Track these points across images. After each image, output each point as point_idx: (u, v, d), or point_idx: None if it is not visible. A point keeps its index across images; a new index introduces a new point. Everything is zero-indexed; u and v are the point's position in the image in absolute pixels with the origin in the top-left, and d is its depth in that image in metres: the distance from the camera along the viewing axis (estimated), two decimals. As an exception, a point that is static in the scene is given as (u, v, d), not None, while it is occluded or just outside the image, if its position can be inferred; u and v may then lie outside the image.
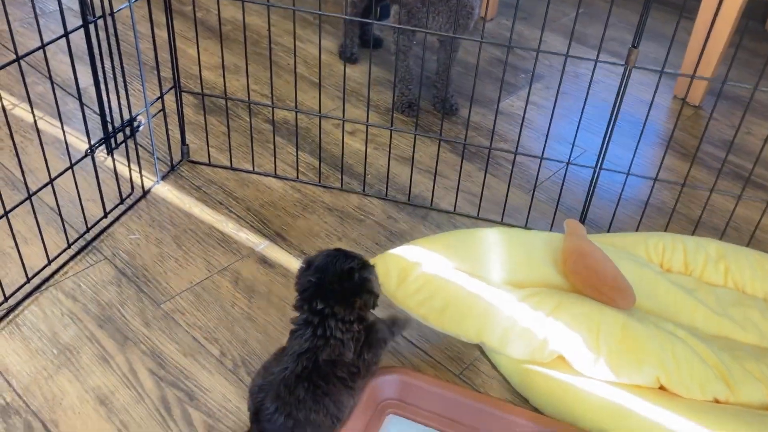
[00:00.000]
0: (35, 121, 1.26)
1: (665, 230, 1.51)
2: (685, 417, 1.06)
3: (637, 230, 1.52)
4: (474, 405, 1.12)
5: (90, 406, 1.15)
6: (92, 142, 1.39)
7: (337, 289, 1.05)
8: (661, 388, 1.13)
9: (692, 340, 1.15)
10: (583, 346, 1.11)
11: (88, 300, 1.33)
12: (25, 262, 1.34)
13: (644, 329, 1.13)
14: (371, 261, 1.18)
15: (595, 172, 1.45)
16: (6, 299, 1.29)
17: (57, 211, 1.39)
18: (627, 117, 1.98)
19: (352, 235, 1.53)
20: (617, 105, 1.35)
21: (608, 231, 1.54)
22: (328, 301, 1.05)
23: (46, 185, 1.31)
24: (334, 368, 1.04)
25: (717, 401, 1.12)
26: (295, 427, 1.02)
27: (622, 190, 1.48)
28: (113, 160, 1.47)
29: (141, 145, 1.68)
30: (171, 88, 1.60)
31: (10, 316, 1.29)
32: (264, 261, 1.45)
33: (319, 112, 1.55)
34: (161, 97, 1.56)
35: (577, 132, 1.50)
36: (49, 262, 1.36)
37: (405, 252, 1.24)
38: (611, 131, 1.38)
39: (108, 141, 1.42)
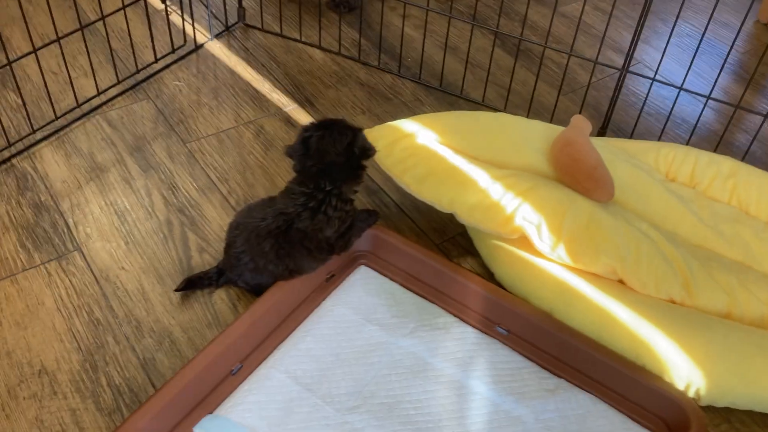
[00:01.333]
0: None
1: (686, 144, 1.47)
2: (631, 309, 1.09)
3: (658, 140, 1.49)
4: (435, 266, 1.19)
5: (107, 216, 1.31)
6: (143, -12, 1.52)
7: (344, 167, 1.11)
8: (621, 282, 1.15)
9: (662, 240, 1.15)
10: (545, 228, 1.14)
11: (126, 130, 1.49)
12: (80, 92, 1.51)
13: (611, 221, 1.14)
14: (367, 131, 1.26)
15: (621, 74, 1.43)
16: (57, 118, 1.46)
17: (108, 48, 1.54)
18: (696, 35, 1.89)
19: (376, 110, 1.59)
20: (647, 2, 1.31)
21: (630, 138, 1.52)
22: (335, 182, 1.11)
23: (98, 20, 1.45)
24: (302, 239, 1.11)
25: (672, 302, 1.13)
26: (255, 270, 1.13)
27: (646, 97, 1.46)
28: (166, 8, 1.60)
29: None
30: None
31: (60, 134, 1.46)
32: (288, 121, 1.55)
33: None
34: (219, -45, 1.65)
35: (605, 30, 1.47)
36: (99, 93, 1.52)
37: (402, 124, 1.30)
38: (639, 31, 1.35)
39: (162, -11, 1.54)
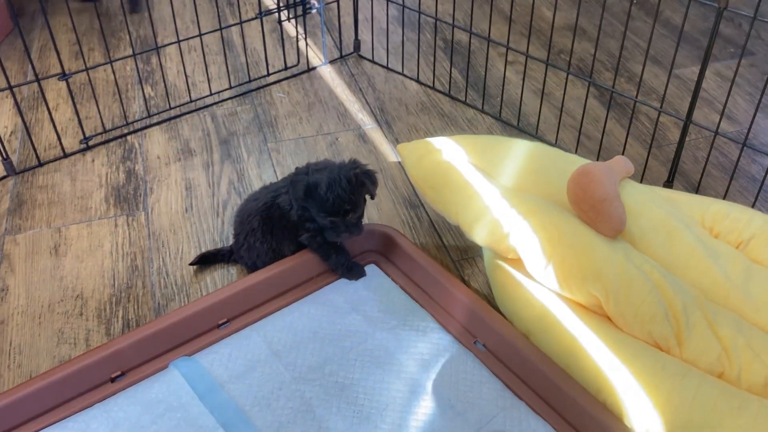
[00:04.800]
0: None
1: (752, 206, 1.35)
2: (605, 344, 1.04)
3: (724, 198, 1.39)
4: (432, 274, 1.22)
5: (179, 188, 1.52)
6: (262, 10, 1.75)
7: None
8: (609, 319, 1.10)
9: (663, 284, 1.08)
10: (538, 250, 1.12)
11: (223, 126, 1.70)
12: (198, 92, 1.77)
13: (607, 253, 1.10)
14: (402, 145, 1.36)
15: (685, 126, 1.37)
16: (170, 108, 1.72)
17: (224, 59, 1.79)
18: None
19: (447, 137, 1.66)
20: (709, 49, 1.26)
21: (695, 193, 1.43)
22: None
23: (214, 30, 1.70)
24: (281, 217, 1.22)
25: (657, 347, 1.05)
26: (248, 249, 1.25)
27: (710, 152, 1.37)
28: (281, 30, 1.82)
29: (329, 28, 1.99)
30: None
31: (171, 122, 1.72)
32: (362, 137, 1.67)
33: (488, 36, 1.67)
34: (336, -11, 1.86)
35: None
36: (211, 94, 1.77)
37: (434, 140, 1.36)
38: (701, 79, 1.29)
39: (279, 12, 1.76)
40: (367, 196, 1.21)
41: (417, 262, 1.25)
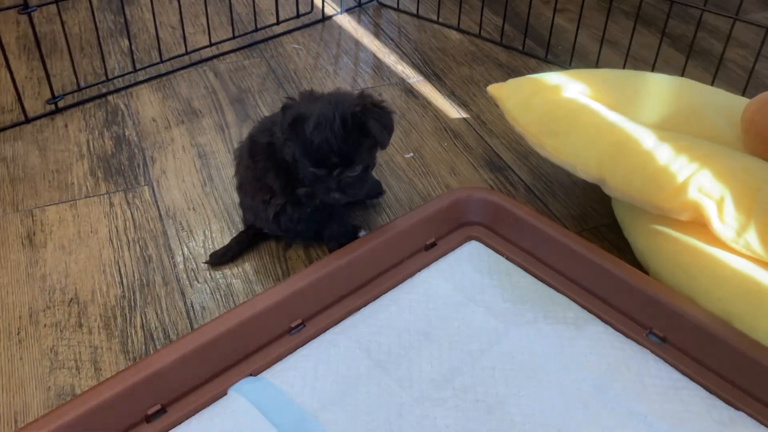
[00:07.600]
0: None
1: None
2: None
3: None
4: (568, 245, 0.91)
5: (189, 156, 1.15)
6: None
7: None
8: (837, 291, 0.82)
9: None
10: (730, 205, 0.83)
11: (231, 83, 1.34)
12: (192, 45, 1.41)
13: (829, 204, 0.82)
14: (498, 85, 1.06)
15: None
16: (162, 61, 1.35)
17: (229, 7, 1.43)
18: None
19: (514, 90, 1.35)
20: None
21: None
22: None
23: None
24: (275, 155, 0.90)
25: None
26: (241, 187, 0.97)
27: None
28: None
29: (336, -21, 1.66)
30: None
31: (162, 78, 1.34)
32: (410, 91, 1.34)
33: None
34: None
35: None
36: (210, 45, 1.40)
37: (545, 76, 1.05)
38: None
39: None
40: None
41: (538, 230, 0.94)
